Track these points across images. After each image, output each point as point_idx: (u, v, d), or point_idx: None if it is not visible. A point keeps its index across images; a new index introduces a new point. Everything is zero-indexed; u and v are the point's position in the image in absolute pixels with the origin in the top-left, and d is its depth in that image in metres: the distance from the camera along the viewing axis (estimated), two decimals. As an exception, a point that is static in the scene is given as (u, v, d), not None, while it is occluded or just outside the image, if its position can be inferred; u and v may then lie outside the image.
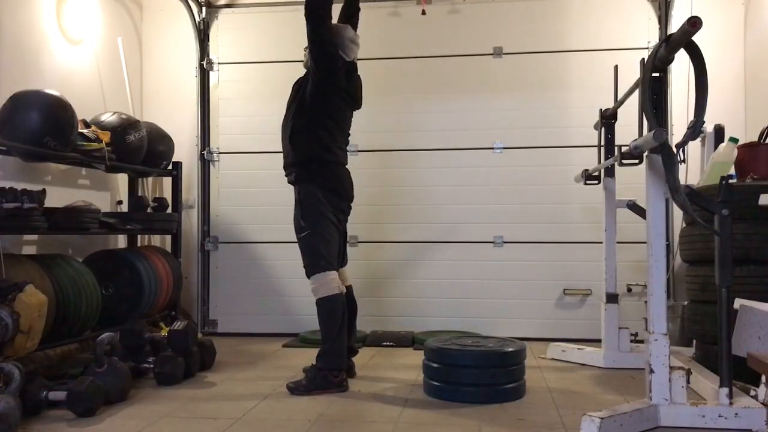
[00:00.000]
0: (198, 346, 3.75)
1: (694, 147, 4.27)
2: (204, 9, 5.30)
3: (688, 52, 2.66)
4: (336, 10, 3.67)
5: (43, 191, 3.52)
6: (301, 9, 5.16)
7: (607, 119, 3.93)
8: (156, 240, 5.28)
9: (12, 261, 3.33)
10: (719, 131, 4.40)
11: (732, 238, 2.68)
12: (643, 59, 2.86)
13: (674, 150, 2.68)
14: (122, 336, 3.54)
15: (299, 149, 3.48)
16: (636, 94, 3.18)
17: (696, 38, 2.55)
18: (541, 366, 3.95)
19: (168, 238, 5.08)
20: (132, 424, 2.77)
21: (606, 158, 3.90)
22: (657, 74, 2.75)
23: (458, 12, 5.10)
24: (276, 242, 5.10)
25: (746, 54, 4.79)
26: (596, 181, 4.08)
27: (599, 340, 4.02)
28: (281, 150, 3.66)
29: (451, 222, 5.03)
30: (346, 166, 3.63)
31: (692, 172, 4.39)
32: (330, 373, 3.31)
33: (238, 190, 5.29)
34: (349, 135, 3.70)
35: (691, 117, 2.67)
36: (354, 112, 3.60)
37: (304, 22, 3.40)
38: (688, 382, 2.71)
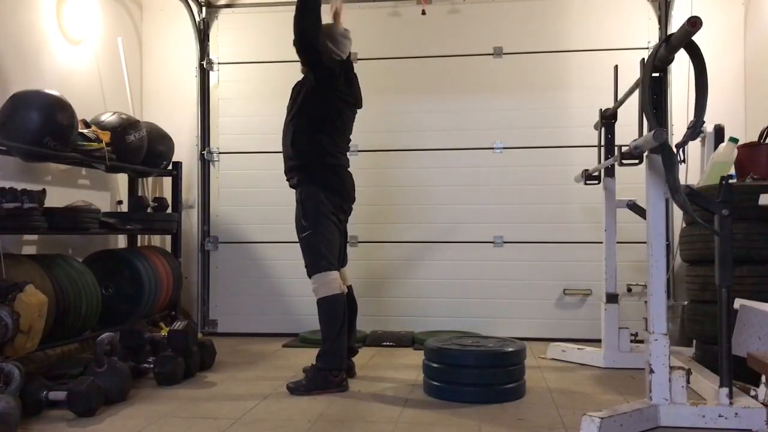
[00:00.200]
0: (198, 346, 3.75)
1: (694, 147, 4.28)
2: (204, 9, 5.30)
3: (688, 52, 2.66)
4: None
5: (43, 191, 3.52)
6: (301, 9, 5.21)
7: (607, 119, 3.93)
8: (156, 240, 5.28)
9: (12, 261, 3.33)
10: (719, 131, 4.40)
11: (732, 238, 2.68)
12: (643, 59, 2.86)
13: (674, 150, 2.68)
14: (122, 336, 3.54)
15: (300, 153, 3.48)
16: (636, 94, 3.18)
17: (696, 38, 2.55)
18: (541, 366, 3.95)
19: (168, 238, 5.08)
20: (132, 424, 2.77)
21: (606, 158, 3.90)
22: (657, 74, 2.75)
23: (458, 12, 5.10)
24: (276, 242, 5.10)
25: (746, 54, 4.79)
26: (596, 181, 4.08)
27: (599, 340, 4.02)
28: (281, 150, 3.65)
29: (451, 222, 5.03)
30: (348, 168, 3.63)
31: (692, 172, 4.39)
32: (330, 373, 3.31)
33: (238, 190, 5.29)
34: (350, 138, 3.69)
35: (691, 117, 2.67)
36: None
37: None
38: (688, 382, 2.71)
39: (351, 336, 3.61)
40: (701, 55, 2.65)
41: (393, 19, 5.17)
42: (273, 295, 5.17)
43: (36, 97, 3.62)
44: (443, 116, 5.08)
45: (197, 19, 5.28)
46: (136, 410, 2.99)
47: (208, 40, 5.34)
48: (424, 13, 4.93)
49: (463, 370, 3.16)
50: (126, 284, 4.21)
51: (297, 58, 5.28)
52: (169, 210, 4.93)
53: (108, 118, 4.32)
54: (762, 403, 2.68)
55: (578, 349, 4.11)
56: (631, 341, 3.97)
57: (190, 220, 5.31)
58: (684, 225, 4.02)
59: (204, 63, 5.30)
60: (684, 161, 2.81)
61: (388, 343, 4.63)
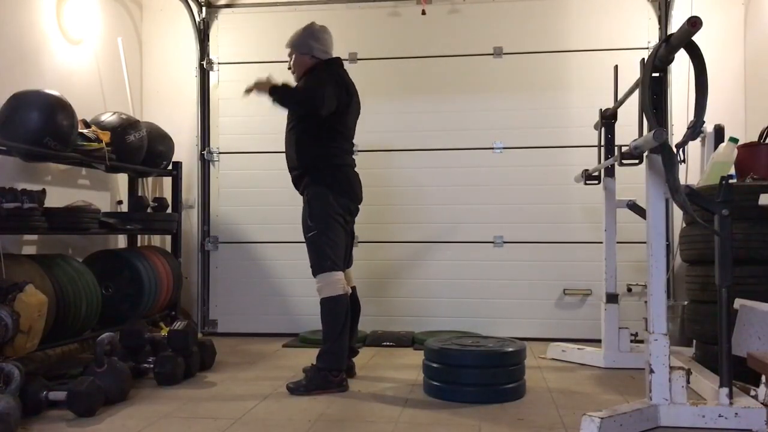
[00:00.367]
0: (198, 346, 3.75)
1: (694, 147, 4.27)
2: (204, 9, 5.30)
3: (688, 52, 2.66)
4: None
5: (43, 191, 3.52)
6: (301, 9, 5.22)
7: (607, 119, 3.93)
8: (156, 240, 5.28)
9: (12, 261, 3.33)
10: (719, 131, 4.40)
11: (732, 238, 2.68)
12: (643, 59, 2.86)
13: (674, 150, 2.68)
14: (122, 336, 3.54)
15: (306, 160, 3.47)
16: (636, 94, 3.18)
17: (696, 38, 2.55)
18: (541, 366, 3.95)
19: (168, 238, 5.08)
20: (132, 424, 2.77)
21: (606, 158, 3.90)
22: (657, 74, 2.75)
23: (458, 12, 5.10)
24: (276, 242, 5.10)
25: (746, 54, 4.79)
26: (596, 181, 4.08)
27: (599, 340, 4.02)
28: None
29: (451, 222, 5.03)
30: (355, 168, 3.63)
31: (692, 172, 4.39)
32: (330, 373, 3.31)
33: (238, 190, 5.29)
34: (353, 140, 3.68)
35: (691, 117, 2.67)
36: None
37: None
38: (688, 382, 2.71)
39: (352, 336, 3.61)
40: (701, 55, 2.65)
41: (393, 19, 5.17)
42: (273, 295, 5.17)
43: (36, 97, 3.62)
44: (443, 116, 5.08)
45: (197, 19, 5.28)
46: (136, 410, 2.99)
47: (208, 40, 5.34)
48: (424, 13, 4.93)
49: (463, 370, 3.16)
50: (126, 284, 4.21)
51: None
52: (169, 210, 4.93)
53: (108, 118, 4.32)
54: (762, 403, 2.68)
55: (578, 349, 4.11)
56: (631, 341, 3.97)
57: (190, 220, 5.31)
58: (684, 225, 4.02)
59: (204, 63, 5.30)
60: (684, 161, 2.81)
61: (388, 343, 4.63)
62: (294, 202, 3.69)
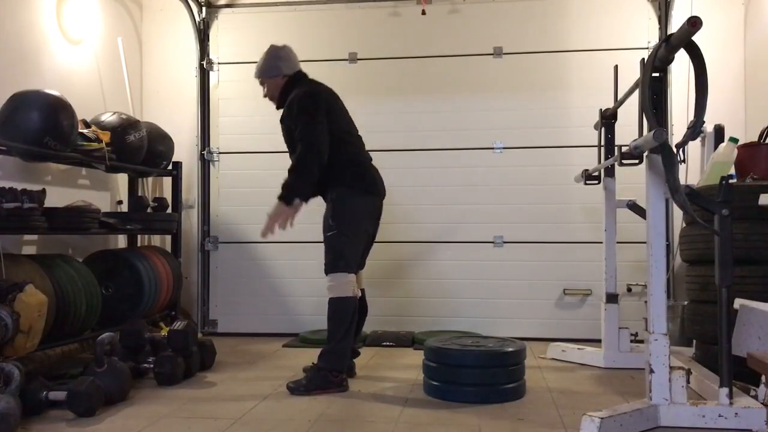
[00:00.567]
0: (198, 346, 3.75)
1: (694, 147, 4.27)
2: (204, 9, 5.30)
3: (688, 52, 2.66)
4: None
5: (43, 191, 3.52)
6: (301, 9, 5.22)
7: (607, 119, 3.93)
8: (156, 240, 5.28)
9: (12, 261, 3.33)
10: (719, 131, 4.40)
11: (732, 238, 2.67)
12: (643, 59, 2.86)
13: (674, 150, 2.68)
14: (122, 336, 3.54)
15: (325, 174, 3.42)
16: (636, 94, 3.18)
17: (696, 38, 2.55)
18: (541, 366, 3.95)
19: (168, 238, 5.08)
20: (132, 424, 2.77)
21: (606, 158, 3.90)
22: (657, 74, 2.75)
23: (458, 12, 5.10)
24: (276, 242, 5.07)
25: (746, 54, 4.79)
26: (596, 181, 4.08)
27: (599, 340, 4.02)
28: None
29: (451, 222, 5.03)
30: (371, 162, 3.64)
31: (692, 172, 4.39)
32: (330, 374, 3.31)
33: (238, 190, 5.29)
34: (358, 133, 3.67)
35: (691, 117, 2.66)
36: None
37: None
38: (688, 382, 2.71)
39: (355, 337, 3.61)
40: (701, 55, 2.65)
41: (393, 19, 5.17)
42: (273, 295, 5.17)
43: (36, 97, 3.62)
44: (443, 116, 5.08)
45: (197, 19, 5.28)
46: (136, 410, 2.99)
47: (208, 40, 5.34)
48: (424, 13, 4.93)
49: (463, 370, 3.16)
50: (126, 284, 4.21)
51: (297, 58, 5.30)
52: (169, 210, 4.93)
53: (108, 118, 4.32)
54: (762, 403, 2.68)
55: (578, 349, 4.11)
56: (631, 341, 3.97)
57: (190, 220, 5.31)
58: (684, 225, 4.02)
59: (204, 63, 5.30)
60: (684, 161, 2.81)
61: (388, 343, 4.63)
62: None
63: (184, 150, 5.20)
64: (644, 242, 2.83)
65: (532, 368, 3.71)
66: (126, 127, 4.30)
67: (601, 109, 3.97)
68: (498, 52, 5.05)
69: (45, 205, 3.52)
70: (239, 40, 5.32)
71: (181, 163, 5.02)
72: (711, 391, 2.92)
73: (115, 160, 4.17)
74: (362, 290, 3.61)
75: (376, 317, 4.97)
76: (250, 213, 5.23)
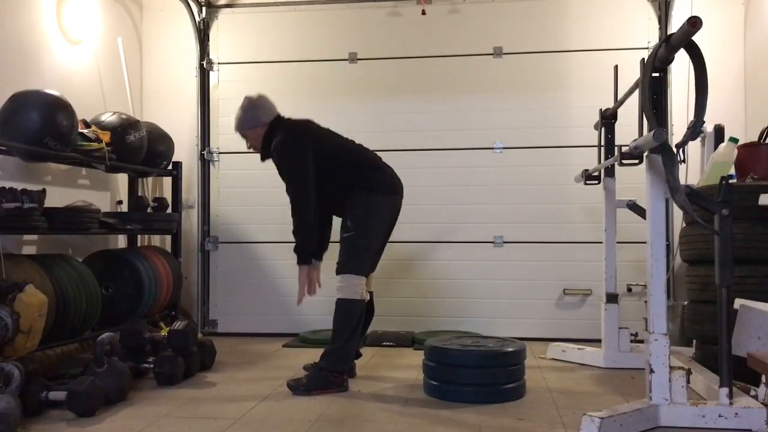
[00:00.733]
0: (198, 346, 3.75)
1: (694, 147, 4.27)
2: (204, 9, 5.30)
3: (688, 52, 2.66)
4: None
5: (43, 191, 3.52)
6: (301, 9, 5.22)
7: (607, 119, 3.93)
8: (156, 240, 5.28)
9: (12, 261, 3.33)
10: (719, 131, 4.39)
11: (732, 238, 2.67)
12: (643, 59, 2.86)
13: (674, 150, 2.68)
14: (122, 336, 3.53)
15: (342, 193, 3.46)
16: (636, 94, 3.18)
17: (696, 38, 2.55)
18: (541, 366, 3.95)
19: (168, 238, 5.08)
20: (132, 424, 2.77)
21: (606, 158, 3.90)
22: (657, 74, 2.75)
23: (458, 12, 5.10)
24: (276, 242, 5.09)
25: (746, 54, 4.79)
26: (596, 181, 4.08)
27: (599, 340, 4.02)
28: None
29: (451, 222, 5.03)
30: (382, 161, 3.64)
31: (692, 172, 4.39)
32: (331, 374, 3.31)
33: (238, 190, 5.28)
34: (356, 143, 3.67)
35: (691, 117, 2.67)
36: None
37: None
38: (688, 382, 2.71)
39: (360, 339, 3.61)
40: (701, 55, 2.65)
41: (393, 19, 5.17)
42: (273, 295, 5.17)
43: (36, 97, 3.62)
44: (443, 116, 5.08)
45: (197, 19, 5.28)
46: (136, 410, 2.99)
47: (208, 40, 5.34)
48: (424, 13, 4.93)
49: (463, 370, 3.16)
50: (126, 284, 4.21)
51: (297, 58, 5.34)
52: (169, 210, 4.93)
53: (108, 118, 4.32)
54: (762, 403, 2.68)
55: (578, 349, 4.11)
56: (631, 341, 3.97)
57: (190, 220, 5.31)
58: (684, 225, 4.02)
59: (204, 63, 5.30)
60: (684, 161, 2.81)
61: (388, 343, 4.63)
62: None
63: (184, 150, 5.20)
64: (644, 242, 2.83)
65: (532, 368, 3.71)
66: (126, 127, 4.30)
67: (601, 109, 3.97)
68: (498, 52, 5.05)
69: (45, 205, 3.52)
70: (239, 40, 5.32)
71: (181, 163, 5.02)
72: (711, 391, 2.92)
73: (115, 160, 4.17)
74: (370, 293, 3.61)
75: (376, 317, 4.92)
76: (250, 213, 5.24)
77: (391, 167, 3.64)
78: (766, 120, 4.13)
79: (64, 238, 4.33)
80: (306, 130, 3.57)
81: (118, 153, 4.20)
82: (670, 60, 2.72)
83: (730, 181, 2.75)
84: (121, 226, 4.41)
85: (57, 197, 4.13)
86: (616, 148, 3.70)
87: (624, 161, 3.11)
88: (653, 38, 4.82)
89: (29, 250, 4.03)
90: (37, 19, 4.20)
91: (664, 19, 4.81)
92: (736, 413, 2.62)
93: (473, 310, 4.96)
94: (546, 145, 4.95)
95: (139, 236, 5.04)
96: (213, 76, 5.34)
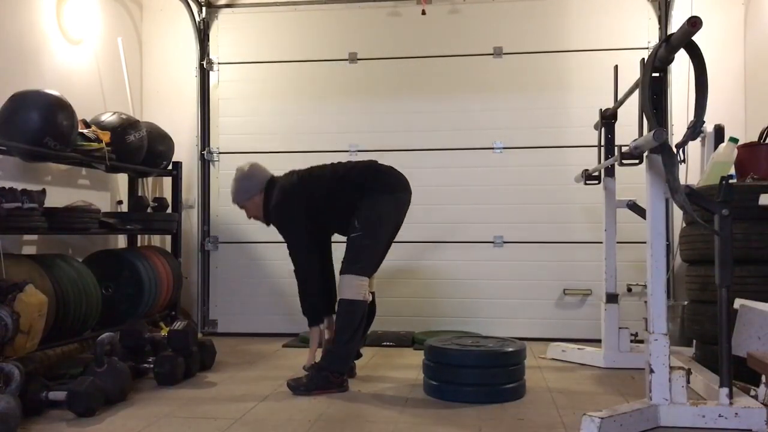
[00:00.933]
0: (198, 346, 3.74)
1: (694, 147, 4.27)
2: (204, 9, 5.30)
3: (688, 52, 2.66)
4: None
5: (43, 191, 3.52)
6: (301, 9, 5.22)
7: (607, 119, 3.93)
8: (156, 240, 5.28)
9: (12, 261, 3.33)
10: (719, 131, 4.40)
11: (732, 238, 2.67)
12: (643, 59, 2.86)
13: (674, 150, 2.68)
14: (122, 336, 3.53)
15: (362, 197, 3.47)
16: (636, 94, 3.18)
17: (696, 38, 2.55)
18: (541, 366, 3.95)
19: (168, 238, 5.08)
20: (132, 424, 2.77)
21: (606, 158, 3.90)
22: (657, 74, 2.74)
23: (458, 12, 5.10)
24: (276, 242, 5.03)
25: (746, 54, 4.79)
26: (596, 181, 4.08)
27: (599, 340, 4.02)
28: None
29: (451, 222, 5.03)
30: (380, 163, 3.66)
31: (692, 172, 4.39)
32: (331, 374, 3.31)
33: (238, 190, 5.27)
34: (350, 163, 3.67)
35: (691, 117, 2.66)
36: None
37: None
38: (688, 382, 2.71)
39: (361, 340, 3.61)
40: (701, 55, 2.65)
41: (393, 19, 5.17)
42: (273, 295, 5.17)
43: (36, 97, 3.62)
44: (443, 116, 5.08)
45: (197, 19, 5.28)
46: (136, 410, 2.99)
47: (208, 40, 5.34)
48: (424, 13, 4.93)
49: (463, 370, 3.16)
50: (126, 284, 4.21)
51: (297, 58, 5.34)
52: (169, 210, 4.93)
53: (108, 118, 4.32)
54: (762, 403, 2.68)
55: (578, 349, 4.11)
56: (631, 341, 3.97)
57: (190, 220, 5.31)
58: (684, 225, 4.02)
59: (204, 63, 5.30)
60: (684, 161, 2.81)
61: (388, 343, 4.63)
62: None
63: (184, 150, 5.20)
64: (644, 242, 2.83)
65: (532, 368, 3.71)
66: (126, 127, 4.30)
67: (601, 109, 3.97)
68: (498, 52, 5.05)
69: (45, 205, 3.52)
70: (239, 40, 5.32)
71: (181, 163, 5.02)
72: (711, 391, 2.92)
73: (115, 160, 4.17)
74: (372, 293, 3.61)
75: (376, 317, 4.95)
76: (250, 213, 5.23)
77: (391, 166, 3.64)
78: (766, 120, 4.13)
79: (64, 238, 4.33)
80: (295, 185, 3.57)
81: (118, 153, 4.20)
82: (670, 60, 2.72)
83: (730, 181, 2.75)
84: (121, 226, 4.41)
85: (57, 197, 4.13)
86: (616, 148, 3.70)
87: (624, 161, 3.10)
88: (653, 38, 4.82)
89: (29, 250, 4.03)
90: (37, 19, 4.20)
91: (664, 19, 4.81)
92: (736, 413, 2.62)
93: (473, 310, 4.96)
94: (546, 145, 4.95)
95: (139, 236, 5.04)
96: (213, 76, 5.34)
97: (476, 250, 5.00)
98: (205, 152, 5.29)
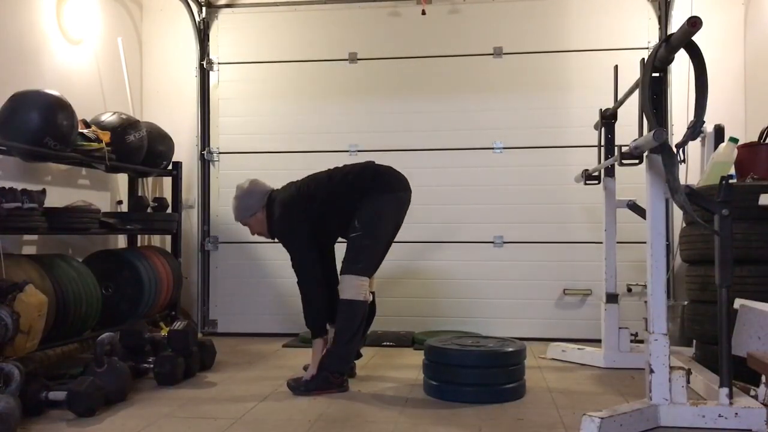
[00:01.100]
0: (198, 346, 3.75)
1: (694, 147, 4.27)
2: (204, 9, 5.30)
3: (688, 52, 2.66)
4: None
5: (43, 191, 3.52)
6: (301, 9, 5.22)
7: (607, 119, 3.93)
8: (156, 240, 5.28)
9: (12, 261, 3.33)
10: (719, 131, 4.40)
11: (732, 238, 2.67)
12: (643, 59, 2.86)
13: (674, 150, 2.68)
14: (122, 336, 3.53)
15: (361, 199, 3.47)
16: (636, 94, 3.18)
17: (696, 38, 2.55)
18: (541, 366, 3.95)
19: (168, 238, 5.08)
20: (132, 424, 2.77)
21: (606, 158, 3.90)
22: (657, 74, 2.75)
23: (458, 12, 5.10)
24: (276, 242, 5.08)
25: (746, 54, 4.79)
26: (596, 181, 4.08)
27: (599, 340, 4.02)
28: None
29: (451, 222, 5.03)
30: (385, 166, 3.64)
31: (692, 172, 4.39)
32: (331, 375, 3.31)
33: (238, 190, 5.27)
34: (336, 176, 3.64)
35: (691, 117, 2.66)
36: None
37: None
38: (688, 382, 2.71)
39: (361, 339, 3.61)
40: (701, 55, 2.65)
41: (393, 19, 5.17)
42: (273, 295, 5.17)
43: (36, 97, 3.62)
44: (443, 116, 5.08)
45: (197, 19, 5.28)
46: (136, 410, 2.99)
47: (208, 40, 5.34)
48: (424, 13, 4.93)
49: (463, 370, 3.16)
50: (126, 284, 4.21)
51: (297, 58, 5.33)
52: (169, 210, 4.93)
53: (108, 118, 4.32)
54: (762, 403, 2.68)
55: (578, 349, 4.11)
56: (631, 341, 3.97)
57: (190, 220, 5.31)
58: (684, 225, 4.02)
59: (204, 63, 5.30)
60: (684, 161, 2.81)
61: (388, 343, 4.63)
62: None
63: (184, 150, 5.20)
64: (644, 242, 2.83)
65: (532, 368, 3.71)
66: (126, 127, 4.30)
67: (601, 109, 3.97)
68: (498, 52, 5.05)
69: (45, 205, 3.52)
70: (239, 40, 5.32)
71: (181, 163, 5.02)
72: (711, 391, 2.92)
73: (115, 160, 4.17)
74: (372, 293, 3.61)
75: (377, 317, 4.95)
76: (250, 213, 5.23)
77: (390, 166, 3.64)
78: (766, 120, 4.13)
79: (64, 238, 4.33)
80: (294, 197, 3.56)
81: (118, 153, 4.20)
82: (670, 60, 2.72)
83: (730, 181, 2.75)
84: (121, 226, 4.41)
85: (57, 197, 4.13)
86: (616, 148, 3.70)
87: (624, 161, 3.10)
88: (653, 38, 4.82)
89: (29, 250, 4.03)
90: (37, 19, 4.20)
91: (664, 19, 4.81)
92: (736, 413, 2.62)
93: (473, 310, 4.96)
94: (546, 145, 4.95)
95: (139, 236, 5.04)
96: (213, 76, 5.34)
97: (476, 250, 5.00)
98: (205, 152, 5.29)
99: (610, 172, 3.94)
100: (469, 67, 5.07)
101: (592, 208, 4.61)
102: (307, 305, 3.51)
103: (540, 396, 3.24)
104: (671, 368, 2.69)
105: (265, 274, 5.20)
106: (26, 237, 4.02)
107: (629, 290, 4.75)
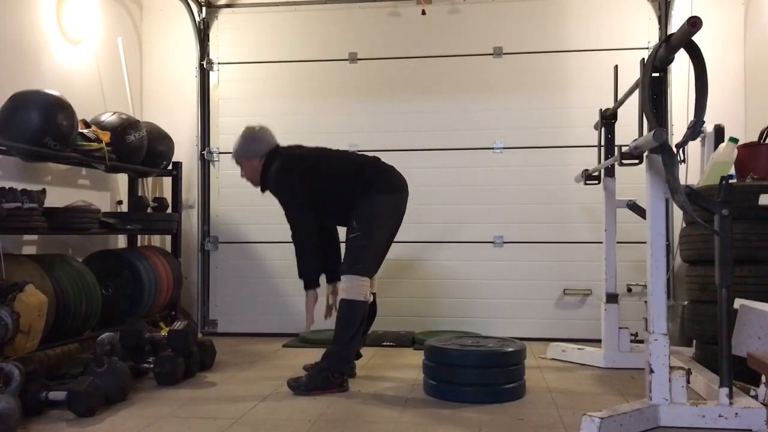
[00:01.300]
0: (198, 346, 3.74)
1: (694, 147, 4.27)
2: (204, 9, 5.30)
3: (688, 52, 2.66)
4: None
5: (43, 191, 3.52)
6: (301, 9, 5.22)
7: (607, 119, 3.93)
8: (156, 240, 5.28)
9: (12, 261, 3.33)
10: (719, 131, 4.39)
11: (732, 238, 2.67)
12: (643, 59, 2.86)
13: (674, 150, 2.68)
14: (122, 336, 3.53)
15: (353, 206, 3.45)
16: (636, 94, 3.18)
17: (696, 38, 2.55)
18: (541, 366, 3.95)
19: (168, 238, 5.08)
20: (132, 424, 2.77)
21: (606, 158, 3.90)
22: (657, 74, 2.75)
23: (458, 12, 5.10)
24: (276, 242, 5.09)
25: (746, 54, 4.79)
26: (596, 181, 4.08)
27: (599, 340, 4.02)
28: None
29: (451, 222, 5.03)
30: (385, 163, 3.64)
31: (692, 172, 4.39)
32: (331, 375, 3.31)
33: (238, 190, 5.25)
34: (357, 154, 3.65)
35: (691, 117, 2.66)
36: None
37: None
38: (688, 382, 2.71)
39: (361, 339, 3.60)
40: (701, 55, 2.64)
41: (393, 19, 5.17)
42: (273, 295, 5.17)
43: (36, 97, 3.62)
44: (443, 116, 5.08)
45: (197, 19, 5.28)
46: (136, 410, 2.99)
47: (208, 40, 5.34)
48: (424, 13, 4.93)
49: (463, 370, 3.16)
50: (126, 284, 4.21)
51: (297, 58, 5.33)
52: (169, 210, 4.93)
53: (108, 118, 4.32)
54: (762, 403, 2.68)
55: (578, 349, 4.11)
56: (631, 341, 3.97)
57: (190, 220, 5.31)
58: (684, 225, 4.02)
59: (204, 63, 5.30)
60: (684, 161, 2.81)
61: (388, 343, 4.63)
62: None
63: (184, 150, 5.20)
64: (644, 242, 2.83)
65: (532, 368, 3.71)
66: (126, 127, 4.30)
67: (601, 109, 3.97)
68: (498, 52, 5.05)
69: (45, 205, 3.52)
70: (239, 40, 5.32)
71: (181, 163, 5.02)
72: (711, 391, 2.92)
73: (115, 160, 4.17)
74: (373, 294, 3.60)
75: (377, 317, 4.97)
76: (250, 213, 5.24)
77: (392, 166, 3.63)
78: (766, 120, 4.13)
79: (64, 238, 4.33)
80: (298, 158, 3.57)
81: (118, 153, 4.20)
82: (670, 60, 2.72)
83: (730, 181, 2.75)
84: (121, 226, 4.41)
85: (57, 197, 4.13)
86: (616, 148, 3.70)
87: (624, 161, 3.10)
88: (653, 38, 4.82)
89: (29, 250, 4.03)
90: (37, 19, 4.21)
91: (664, 19, 4.81)
92: (736, 413, 2.62)
93: (473, 310, 4.96)
94: (546, 145, 4.95)
95: (139, 236, 5.04)
96: (213, 76, 5.34)
97: (476, 250, 5.00)
98: (205, 152, 5.29)
99: (610, 172, 3.94)
100: (469, 67, 5.07)
101: (592, 208, 4.61)
102: (300, 254, 3.46)
103: (540, 396, 3.24)
104: (671, 368, 2.69)
105: (265, 274, 5.20)
106: (26, 237, 4.02)
107: (629, 290, 4.75)
